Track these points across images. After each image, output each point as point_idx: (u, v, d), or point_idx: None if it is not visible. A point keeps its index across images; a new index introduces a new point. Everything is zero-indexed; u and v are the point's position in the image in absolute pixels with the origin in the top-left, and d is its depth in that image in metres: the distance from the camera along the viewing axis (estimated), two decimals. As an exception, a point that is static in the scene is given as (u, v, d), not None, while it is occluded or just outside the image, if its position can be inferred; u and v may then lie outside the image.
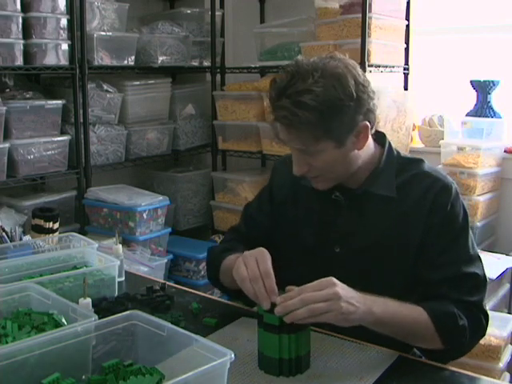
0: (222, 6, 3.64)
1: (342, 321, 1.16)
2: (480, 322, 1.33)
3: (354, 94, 1.26)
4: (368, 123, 1.32)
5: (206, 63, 3.64)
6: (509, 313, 2.65)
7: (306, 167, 1.34)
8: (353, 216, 1.41)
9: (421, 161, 1.44)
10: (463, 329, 1.28)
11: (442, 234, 1.35)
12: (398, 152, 1.46)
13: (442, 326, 1.27)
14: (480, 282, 1.35)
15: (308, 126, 1.24)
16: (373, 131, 1.37)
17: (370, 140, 1.39)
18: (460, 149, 2.90)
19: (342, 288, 1.16)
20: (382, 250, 1.38)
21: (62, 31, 2.84)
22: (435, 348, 1.30)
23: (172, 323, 1.11)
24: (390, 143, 1.45)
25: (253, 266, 1.22)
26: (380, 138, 1.44)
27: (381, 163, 1.40)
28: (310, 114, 1.23)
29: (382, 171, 1.40)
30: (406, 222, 1.37)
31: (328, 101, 1.23)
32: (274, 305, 1.18)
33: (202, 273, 3.21)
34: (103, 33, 3.07)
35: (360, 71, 1.33)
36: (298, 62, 1.29)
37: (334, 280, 1.18)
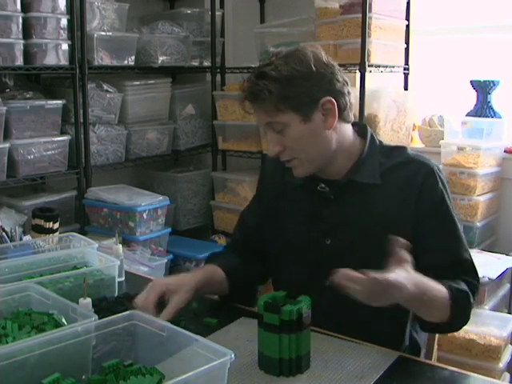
0: (222, 5, 3.64)
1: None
2: (474, 299, 1.36)
3: (313, 67, 1.33)
4: (333, 99, 1.35)
5: (206, 63, 3.64)
6: (509, 313, 2.65)
7: (279, 147, 1.38)
8: (340, 207, 1.43)
9: (404, 148, 1.48)
10: (471, 308, 1.34)
11: (435, 219, 1.38)
12: (381, 141, 1.49)
13: (458, 303, 1.29)
14: (474, 265, 1.40)
15: (269, 94, 1.31)
16: (350, 119, 1.42)
17: (349, 128, 1.43)
18: (460, 149, 2.90)
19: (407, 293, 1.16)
20: (373, 238, 1.38)
21: (62, 31, 2.84)
22: (439, 321, 1.31)
23: (172, 323, 1.11)
24: (372, 133, 1.48)
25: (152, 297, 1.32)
26: (362, 129, 1.48)
27: (363, 153, 1.43)
28: (269, 82, 1.32)
29: (365, 160, 1.42)
30: (394, 209, 1.38)
31: (286, 70, 1.32)
32: (272, 305, 1.18)
33: (202, 273, 3.21)
34: (103, 33, 3.07)
35: (324, 54, 1.39)
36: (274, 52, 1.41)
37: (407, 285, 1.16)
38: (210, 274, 1.48)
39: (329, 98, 1.35)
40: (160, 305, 1.35)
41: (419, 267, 1.33)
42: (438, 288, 1.28)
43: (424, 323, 1.37)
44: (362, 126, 1.49)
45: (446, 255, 1.37)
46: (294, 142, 1.36)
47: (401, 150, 1.47)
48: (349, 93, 1.41)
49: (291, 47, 1.40)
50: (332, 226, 1.43)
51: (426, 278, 1.24)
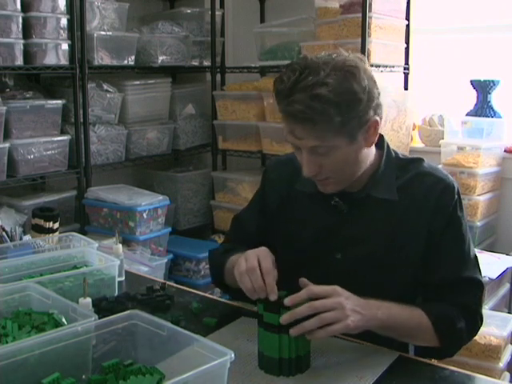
0: (222, 5, 3.64)
1: (349, 329, 1.17)
2: (476, 324, 1.36)
3: (366, 86, 1.24)
4: (378, 119, 1.29)
5: (206, 63, 3.64)
6: (509, 313, 2.65)
7: (317, 168, 1.29)
8: (354, 222, 1.38)
9: (421, 160, 1.42)
10: (460, 331, 1.31)
11: (446, 237, 1.34)
12: (397, 153, 1.43)
13: (441, 329, 1.29)
14: (478, 286, 1.36)
15: (324, 118, 1.20)
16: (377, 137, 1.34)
17: (372, 147, 1.36)
18: (460, 148, 2.90)
19: (346, 297, 1.18)
20: (385, 255, 1.36)
21: (62, 31, 2.84)
22: (433, 346, 1.32)
23: (172, 323, 1.11)
24: (388, 145, 1.42)
25: (253, 260, 1.23)
26: (378, 139, 1.40)
27: (380, 166, 1.37)
28: (326, 106, 1.19)
29: (383, 174, 1.37)
30: (408, 226, 1.35)
31: (343, 93, 1.20)
32: (273, 303, 1.18)
33: (202, 272, 3.21)
34: (103, 32, 3.07)
35: (368, 65, 1.30)
36: (305, 57, 1.26)
37: (339, 289, 1.19)
38: None
39: (376, 118, 1.28)
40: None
41: (423, 284, 1.37)
42: (412, 314, 1.28)
43: (419, 348, 1.38)
44: (379, 137, 1.38)
45: (448, 275, 1.34)
46: (336, 164, 1.28)
47: (418, 162, 1.40)
48: (381, 104, 1.33)
49: (331, 53, 1.27)
50: (344, 240, 1.38)
51: (395, 305, 1.25)
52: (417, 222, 1.34)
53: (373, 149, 1.37)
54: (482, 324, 1.37)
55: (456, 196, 1.36)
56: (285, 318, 1.15)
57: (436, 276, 1.34)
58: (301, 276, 1.35)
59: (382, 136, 1.40)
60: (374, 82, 1.28)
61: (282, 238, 1.48)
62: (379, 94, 1.29)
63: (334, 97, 1.19)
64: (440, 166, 2.80)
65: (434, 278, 1.35)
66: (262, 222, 1.52)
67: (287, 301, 1.15)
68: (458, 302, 1.32)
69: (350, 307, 1.16)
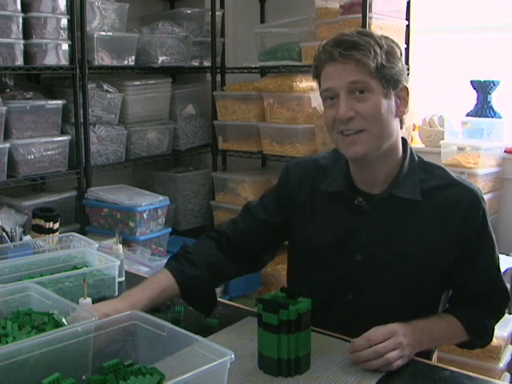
0: (222, 6, 3.64)
1: (404, 362, 1.23)
2: (500, 319, 1.45)
3: (402, 56, 1.36)
4: (408, 89, 1.37)
5: (207, 63, 3.64)
6: (509, 313, 2.65)
7: (353, 112, 1.30)
8: (376, 223, 1.37)
9: (444, 168, 1.43)
10: (492, 331, 1.42)
11: (477, 246, 1.36)
12: (420, 157, 1.44)
13: (475, 334, 1.39)
14: (507, 291, 1.43)
15: (370, 48, 1.28)
16: (403, 123, 1.40)
17: (399, 126, 1.38)
18: (460, 149, 2.89)
19: (403, 334, 1.24)
20: (406, 258, 1.35)
21: (62, 31, 2.84)
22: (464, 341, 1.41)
23: (172, 323, 1.11)
24: (411, 149, 1.43)
25: None
26: (403, 143, 1.42)
27: (404, 167, 1.38)
28: (373, 41, 1.29)
29: (406, 175, 1.37)
30: (433, 230, 1.34)
31: (386, 43, 1.32)
32: (272, 303, 1.18)
33: (202, 273, 3.21)
34: (103, 33, 3.07)
35: None
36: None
37: (396, 328, 1.24)
38: (158, 293, 1.37)
39: (406, 85, 1.36)
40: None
41: (454, 290, 1.43)
42: (449, 325, 1.37)
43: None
44: (403, 140, 1.42)
45: (483, 285, 1.40)
46: (371, 111, 1.29)
47: (442, 169, 1.42)
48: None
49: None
50: (365, 242, 1.37)
51: (433, 322, 1.34)
52: (444, 228, 1.34)
53: (400, 135, 1.39)
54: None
55: (483, 204, 1.37)
56: (353, 360, 1.22)
57: (470, 283, 1.39)
58: (316, 274, 1.40)
59: (405, 140, 1.43)
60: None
61: (298, 236, 1.48)
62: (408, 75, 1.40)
63: (378, 39, 1.31)
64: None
65: (467, 285, 1.40)
66: (276, 216, 1.50)
67: (354, 359, 1.22)
68: (491, 306, 1.41)
69: (406, 343, 1.23)
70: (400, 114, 1.36)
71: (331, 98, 1.33)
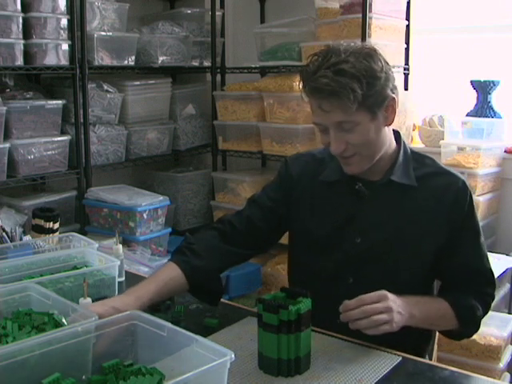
0: (222, 5, 3.64)
1: (392, 329, 1.25)
2: (489, 309, 1.49)
3: (384, 67, 1.35)
4: (395, 97, 1.38)
5: (207, 63, 3.64)
6: (509, 313, 2.65)
7: (344, 145, 1.37)
8: (374, 207, 1.45)
9: (433, 158, 1.52)
10: (479, 318, 1.45)
11: (466, 231, 1.44)
12: (410, 148, 1.53)
13: (464, 318, 1.43)
14: (493, 276, 1.49)
15: (348, 92, 1.29)
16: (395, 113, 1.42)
17: (390, 130, 1.45)
18: (460, 149, 2.90)
19: (393, 300, 1.27)
20: (404, 240, 1.43)
21: (62, 31, 2.84)
22: (448, 329, 1.47)
23: (172, 323, 1.11)
24: (404, 140, 1.51)
25: None
26: (395, 134, 1.50)
27: (399, 156, 1.46)
28: (349, 79, 1.30)
29: (401, 163, 1.46)
30: (428, 214, 1.42)
31: (363, 69, 1.31)
32: (272, 303, 1.18)
33: (202, 273, 3.21)
34: (103, 33, 3.07)
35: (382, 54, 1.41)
36: (327, 45, 1.42)
37: (386, 293, 1.27)
38: (162, 286, 1.39)
39: (393, 95, 1.38)
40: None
41: (445, 273, 1.48)
42: (439, 306, 1.41)
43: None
44: (395, 132, 1.50)
45: (469, 268, 1.45)
46: (361, 140, 1.36)
47: (431, 159, 1.51)
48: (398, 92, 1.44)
49: (354, 43, 1.40)
50: (364, 225, 1.45)
51: (424, 299, 1.39)
52: (436, 212, 1.42)
53: (391, 134, 1.46)
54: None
55: (470, 192, 1.46)
56: (342, 318, 1.24)
57: (457, 266, 1.45)
58: (319, 259, 1.47)
59: (398, 132, 1.52)
60: (390, 67, 1.39)
61: (300, 230, 1.54)
62: (394, 80, 1.39)
63: (355, 72, 1.30)
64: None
65: (454, 268, 1.45)
66: (280, 205, 1.55)
67: (343, 317, 1.24)
68: (480, 291, 1.45)
69: (395, 309, 1.26)
70: (389, 122, 1.41)
71: (322, 124, 1.39)
